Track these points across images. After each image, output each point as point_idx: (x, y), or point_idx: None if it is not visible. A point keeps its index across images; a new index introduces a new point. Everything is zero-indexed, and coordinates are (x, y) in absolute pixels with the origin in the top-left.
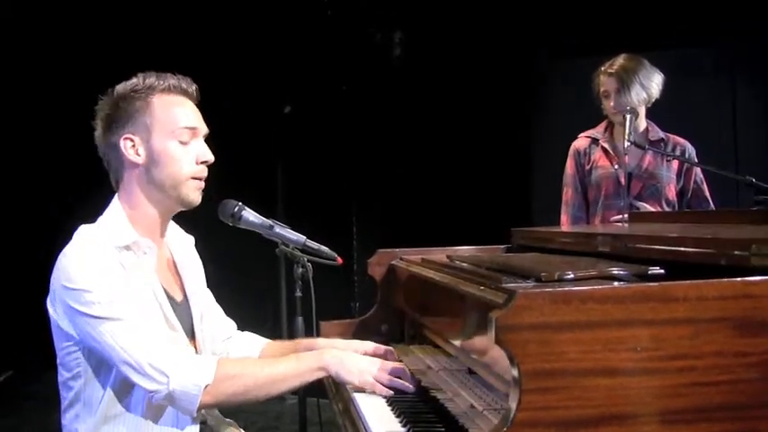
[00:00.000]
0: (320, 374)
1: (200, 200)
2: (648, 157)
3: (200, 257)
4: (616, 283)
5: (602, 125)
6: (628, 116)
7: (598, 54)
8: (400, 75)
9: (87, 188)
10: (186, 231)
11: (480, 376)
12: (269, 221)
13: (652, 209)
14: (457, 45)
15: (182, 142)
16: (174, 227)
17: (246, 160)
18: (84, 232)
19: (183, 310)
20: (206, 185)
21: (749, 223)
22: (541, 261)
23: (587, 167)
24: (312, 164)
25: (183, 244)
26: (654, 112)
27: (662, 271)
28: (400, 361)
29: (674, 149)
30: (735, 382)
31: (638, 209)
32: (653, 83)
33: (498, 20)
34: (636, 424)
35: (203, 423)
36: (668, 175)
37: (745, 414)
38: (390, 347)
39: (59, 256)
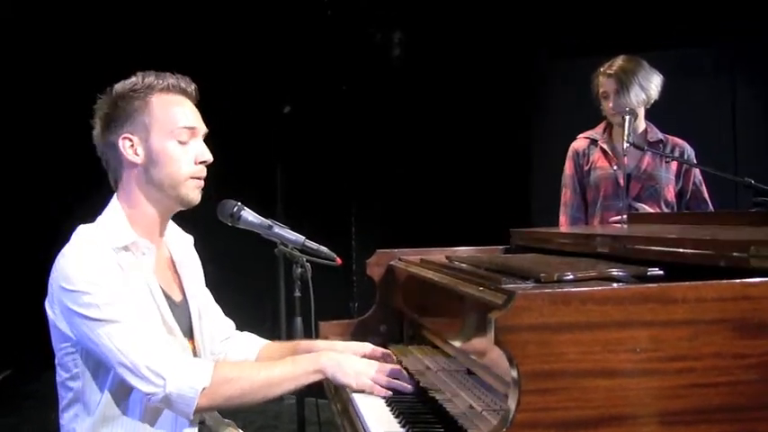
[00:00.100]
0: (317, 377)
1: (199, 199)
2: (647, 159)
3: (200, 257)
4: (615, 285)
5: (601, 126)
6: (627, 117)
7: (598, 54)
8: (400, 75)
9: (87, 188)
10: (185, 231)
11: (479, 377)
12: (268, 221)
13: (651, 210)
14: (457, 45)
15: (181, 142)
16: (173, 226)
17: (246, 160)
18: (82, 232)
19: (181, 311)
20: (205, 185)
21: (748, 225)
22: (541, 262)
23: (586, 168)
24: (311, 164)
25: (182, 243)
26: (654, 113)
27: (661, 272)
28: (400, 362)
29: (672, 150)
30: (734, 383)
31: (636, 210)
32: (652, 84)
33: (498, 20)
34: (635, 425)
35: (201, 423)
36: (667, 176)
37: (744, 415)
38: (388, 350)
39: (58, 257)
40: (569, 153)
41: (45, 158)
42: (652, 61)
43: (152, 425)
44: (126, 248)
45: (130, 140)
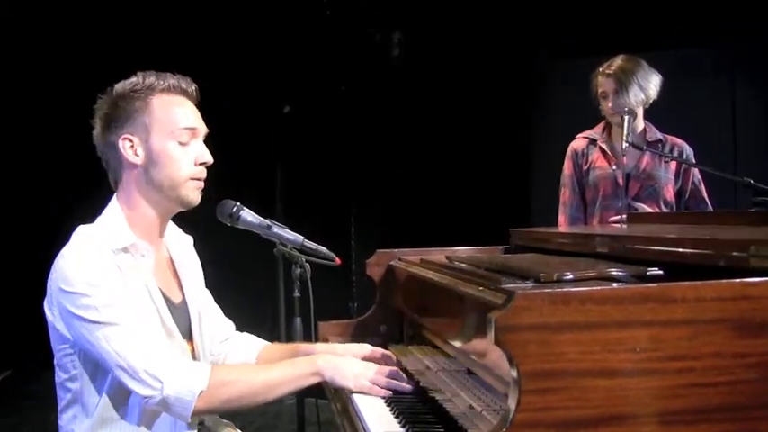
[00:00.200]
0: (315, 380)
1: (199, 200)
2: (646, 158)
3: (199, 258)
4: (615, 284)
5: (600, 126)
6: (626, 117)
7: (598, 54)
8: (399, 75)
9: (87, 188)
10: (185, 231)
11: (479, 377)
12: (267, 221)
13: (650, 210)
14: (456, 45)
15: (181, 143)
16: (172, 227)
17: (245, 160)
18: (82, 233)
19: (180, 312)
20: (205, 185)
21: (747, 224)
22: (540, 262)
23: (585, 168)
24: (311, 164)
25: (181, 244)
26: (653, 113)
27: (660, 272)
28: (400, 362)
29: (671, 150)
30: (734, 383)
31: (635, 210)
32: (651, 84)
33: (498, 20)
34: (635, 425)
35: (201, 424)
36: (666, 175)
37: (743, 415)
38: (388, 351)
39: (57, 258)
40: (568, 153)
41: (45, 158)
42: (652, 61)
43: (150, 428)
44: (125, 250)
45: (130, 141)
